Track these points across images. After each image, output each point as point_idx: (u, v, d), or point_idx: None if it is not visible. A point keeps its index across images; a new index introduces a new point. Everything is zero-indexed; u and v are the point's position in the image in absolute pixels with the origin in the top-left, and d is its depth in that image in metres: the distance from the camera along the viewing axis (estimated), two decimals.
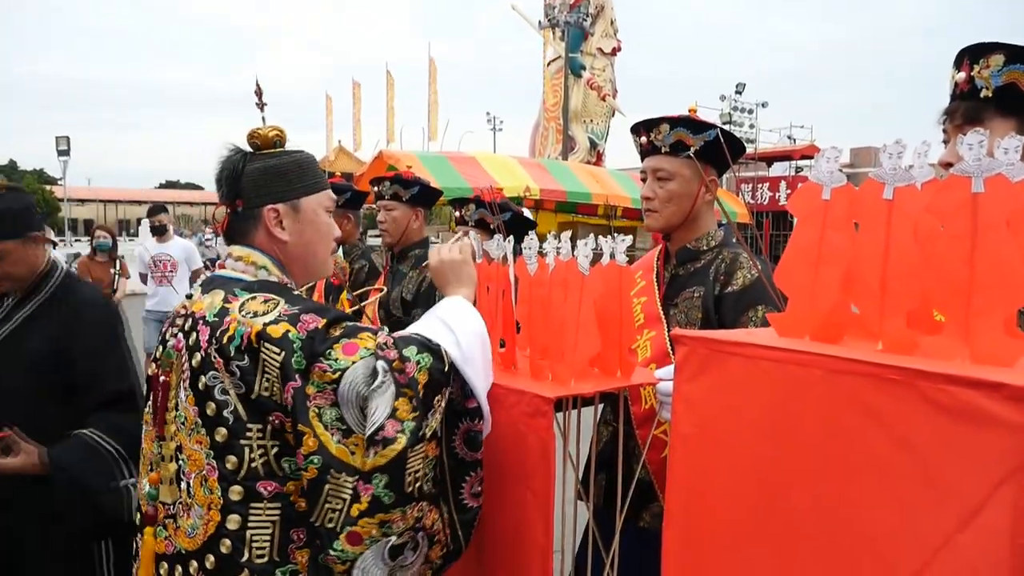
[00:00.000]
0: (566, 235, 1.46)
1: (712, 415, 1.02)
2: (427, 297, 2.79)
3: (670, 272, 1.89)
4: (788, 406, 0.91)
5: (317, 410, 1.10)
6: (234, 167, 1.32)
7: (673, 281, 1.87)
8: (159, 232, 6.42)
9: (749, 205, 16.57)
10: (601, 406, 1.87)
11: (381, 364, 1.13)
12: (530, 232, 1.60)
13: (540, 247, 1.48)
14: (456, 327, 1.26)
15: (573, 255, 1.43)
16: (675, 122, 1.80)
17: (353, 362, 1.12)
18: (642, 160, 1.90)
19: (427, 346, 1.19)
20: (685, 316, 1.79)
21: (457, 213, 2.65)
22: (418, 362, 1.16)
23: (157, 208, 6.53)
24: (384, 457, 1.08)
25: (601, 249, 1.48)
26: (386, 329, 1.22)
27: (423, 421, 1.12)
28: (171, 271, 6.37)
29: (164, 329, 1.33)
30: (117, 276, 6.22)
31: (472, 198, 2.58)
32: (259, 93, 1.39)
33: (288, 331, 1.13)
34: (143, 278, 6.43)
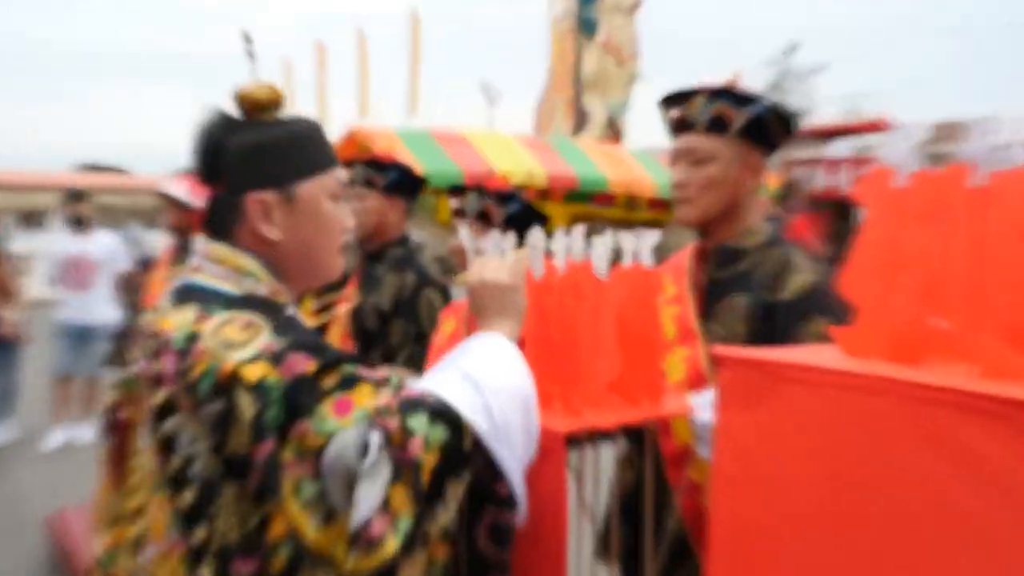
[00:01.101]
0: (578, 230, 1.45)
1: (762, 453, 1.02)
2: (410, 308, 2.80)
3: (707, 276, 1.89)
4: (857, 443, 0.90)
5: (295, 483, 1.05)
6: (213, 139, 1.26)
7: (711, 287, 1.87)
8: (78, 225, 6.35)
9: (802, 193, 16.60)
10: (623, 441, 1.86)
11: (376, 436, 1.07)
12: (535, 227, 1.60)
13: (547, 245, 1.48)
14: (488, 384, 1.17)
15: (587, 255, 1.42)
16: (714, 93, 1.81)
17: (345, 425, 1.07)
18: (673, 139, 1.91)
19: (442, 414, 1.12)
20: (726, 330, 1.79)
21: (455, 203, 2.65)
22: (426, 438, 1.09)
23: (75, 195, 6.45)
24: (367, 564, 1.03)
25: (622, 247, 1.48)
26: (395, 378, 1.16)
27: (426, 519, 1.07)
28: (91, 274, 6.31)
29: (129, 347, 1.31)
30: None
31: (474, 186, 2.59)
32: (248, 40, 1.33)
33: (267, 376, 1.08)
34: (52, 281, 6.36)
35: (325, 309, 2.96)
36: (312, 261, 1.32)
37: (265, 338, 1.12)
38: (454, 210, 2.65)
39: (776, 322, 1.73)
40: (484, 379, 1.18)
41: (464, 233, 1.69)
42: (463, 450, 1.11)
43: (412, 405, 1.12)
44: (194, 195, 3.83)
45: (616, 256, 1.49)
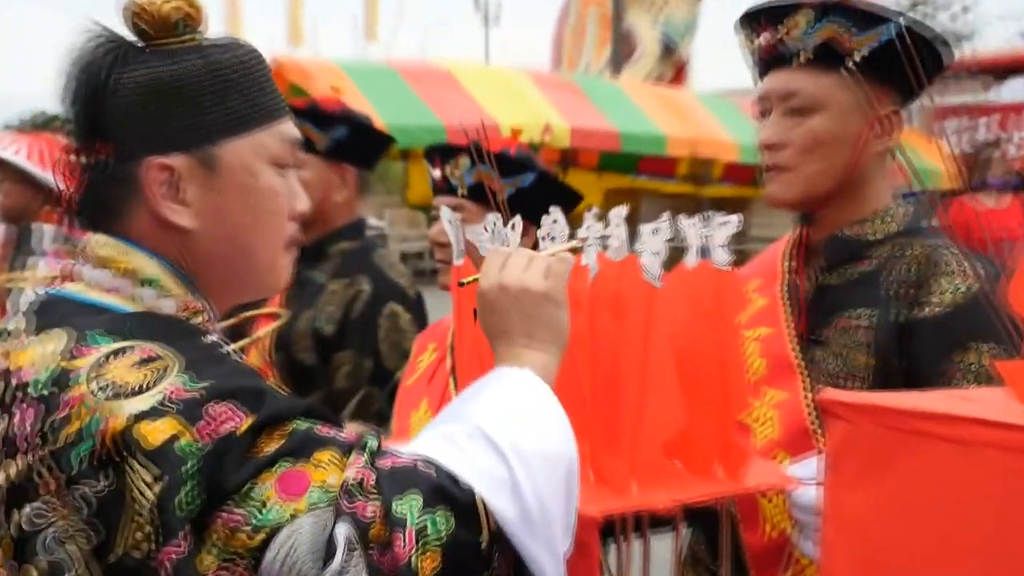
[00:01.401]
0: (619, 213, 1.46)
1: (896, 548, 1.03)
2: (364, 331, 2.81)
3: (814, 282, 1.91)
4: None
5: None
6: (93, 77, 1.25)
7: (819, 298, 1.88)
8: None
9: (958, 158, 16.57)
10: (687, 531, 1.86)
11: (344, 529, 1.07)
12: (554, 210, 1.61)
13: (572, 235, 1.49)
14: (516, 447, 1.17)
15: (632, 250, 1.43)
16: (823, 8, 1.82)
17: (294, 513, 1.07)
18: (760, 77, 1.93)
19: (446, 495, 1.12)
20: (842, 363, 1.81)
21: (436, 172, 2.66)
22: (422, 530, 1.09)
23: None
24: None
25: (685, 239, 1.49)
26: (372, 439, 1.16)
27: None
28: None
29: None
30: None
31: (465, 145, 2.60)
32: None
33: (176, 438, 1.08)
34: None
35: (236, 333, 2.97)
36: (245, 260, 1.32)
37: (173, 380, 1.12)
38: (433, 182, 2.66)
39: (915, 351, 1.75)
40: (510, 440, 1.17)
41: (448, 218, 1.71)
42: (479, 548, 1.11)
43: (399, 481, 1.11)
44: (43, 161, 3.85)
45: (676, 252, 1.50)
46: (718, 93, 16.43)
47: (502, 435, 1.17)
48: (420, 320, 2.90)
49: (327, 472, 1.10)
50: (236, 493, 1.07)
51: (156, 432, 1.07)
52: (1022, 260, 1.05)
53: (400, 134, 7.63)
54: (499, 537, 1.13)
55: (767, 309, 1.92)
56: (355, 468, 1.11)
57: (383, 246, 3.16)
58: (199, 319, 1.28)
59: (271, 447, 1.10)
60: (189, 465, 1.06)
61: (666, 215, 1.43)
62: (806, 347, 1.85)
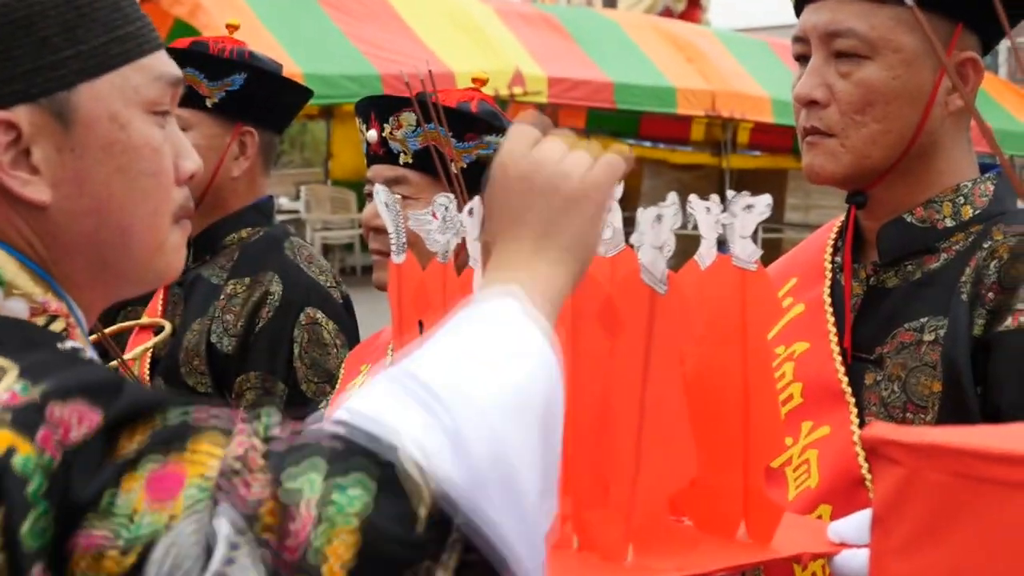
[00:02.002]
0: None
1: None
2: (272, 347, 2.81)
3: (867, 281, 1.94)
4: None
5: None
6: None
7: (874, 304, 1.91)
8: None
9: None
10: None
11: (224, 520, 1.07)
12: None
13: None
14: (462, 391, 1.16)
15: (627, 242, 1.45)
16: None
17: (170, 521, 1.07)
18: (797, 12, 1.94)
19: (360, 458, 1.11)
20: (901, 388, 1.82)
21: (372, 133, 2.65)
22: (325, 505, 1.08)
23: None
24: None
25: (701, 224, 1.50)
26: (267, 416, 1.15)
27: None
28: None
29: None
30: None
31: (412, 97, 2.58)
32: None
33: (12, 451, 1.10)
34: None
35: (107, 356, 2.97)
36: (119, 240, 1.33)
37: (9, 380, 1.14)
38: (368, 148, 2.66)
39: (996, 373, 1.76)
40: (452, 383, 1.16)
41: (385, 200, 1.72)
42: (412, 522, 1.09)
43: (297, 449, 1.10)
44: None
45: (687, 244, 1.52)
46: (745, 31, 16.45)
47: (442, 378, 1.16)
48: (348, 331, 2.90)
49: (207, 462, 1.10)
50: (95, 507, 1.07)
51: None
52: None
53: (320, 85, 7.59)
54: (443, 505, 1.11)
55: (806, 318, 1.94)
56: (237, 443, 1.11)
57: (298, 234, 3.15)
58: (58, 326, 1.28)
59: (132, 445, 1.11)
60: (34, 486, 1.08)
61: (673, 195, 1.44)
62: (857, 368, 1.87)
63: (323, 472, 1.08)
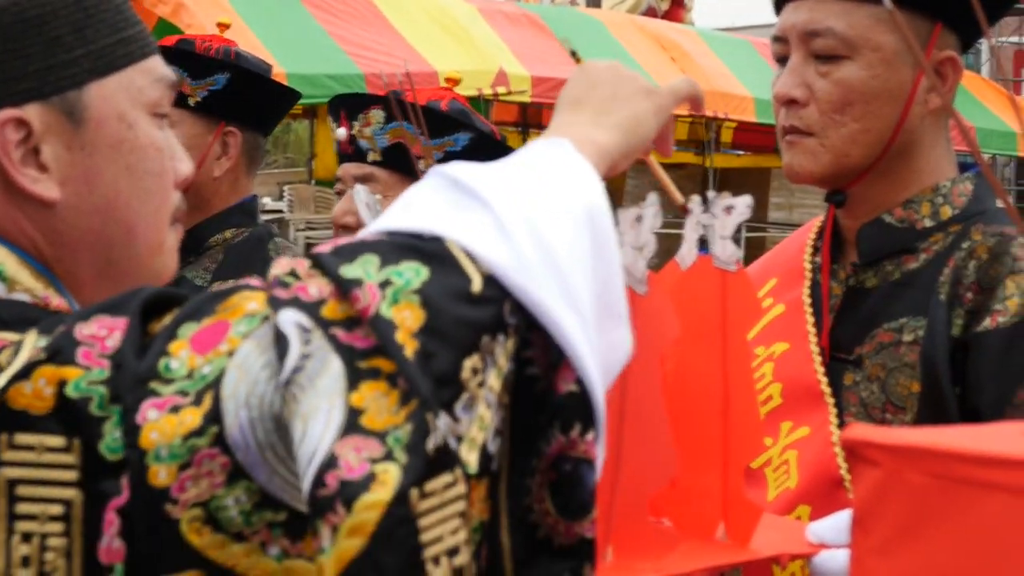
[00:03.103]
0: None
1: None
2: None
3: (844, 281, 1.94)
4: None
5: (201, 510, 1.08)
6: None
7: (854, 304, 1.92)
8: None
9: None
10: None
11: (290, 317, 1.09)
12: None
13: None
14: (498, 190, 1.19)
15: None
16: None
17: (230, 352, 1.10)
18: (777, 11, 1.96)
19: (409, 247, 1.13)
20: (881, 389, 1.83)
21: (341, 131, 2.65)
22: (386, 283, 1.09)
23: None
24: (357, 534, 1.03)
25: (683, 224, 1.50)
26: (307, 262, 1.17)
27: (434, 428, 1.07)
28: None
29: None
30: None
31: (383, 95, 2.58)
32: None
33: (64, 381, 1.12)
34: None
35: None
36: (124, 239, 1.35)
37: (33, 341, 1.15)
38: (338, 145, 2.66)
39: (976, 374, 1.77)
40: (489, 184, 1.19)
41: (365, 200, 1.71)
42: (470, 295, 1.12)
43: (343, 253, 1.12)
44: None
45: (669, 244, 1.52)
46: (729, 30, 16.48)
47: (485, 179, 1.20)
48: None
49: (245, 306, 1.12)
50: (155, 376, 1.09)
51: (36, 392, 1.11)
52: None
53: (303, 84, 7.57)
54: (496, 284, 1.13)
55: (786, 319, 1.95)
56: (281, 266, 1.14)
57: (281, 234, 3.15)
58: (51, 308, 1.31)
59: (165, 322, 1.14)
60: (96, 401, 1.10)
61: (654, 195, 1.44)
62: (835, 369, 1.88)
63: (377, 263, 1.11)
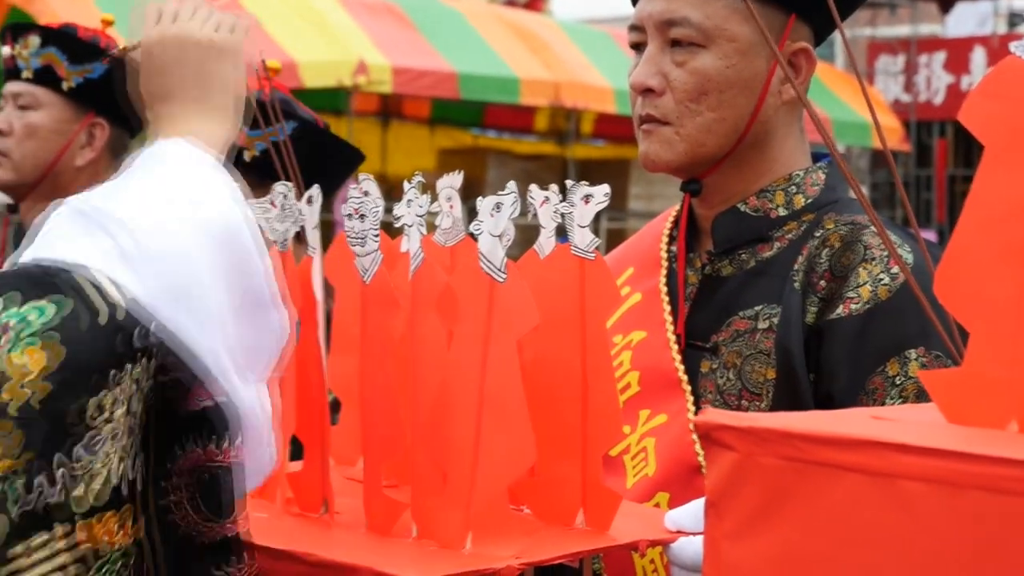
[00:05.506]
0: (449, 182, 1.47)
1: None
2: None
3: (700, 270, 1.96)
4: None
5: None
6: None
7: (709, 292, 1.93)
8: None
9: (896, 108, 17.01)
10: None
11: None
12: (369, 179, 1.61)
13: (383, 209, 1.50)
14: (119, 217, 1.23)
15: (468, 231, 1.45)
16: None
17: None
18: (633, 1, 1.96)
19: (40, 282, 1.18)
20: (736, 376, 1.85)
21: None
22: (17, 325, 1.14)
23: None
24: None
25: (541, 216, 1.51)
26: None
27: (42, 470, 1.11)
28: None
29: None
30: None
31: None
32: None
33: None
34: None
35: None
36: None
37: None
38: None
39: (828, 361, 1.80)
40: (110, 209, 1.24)
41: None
42: (98, 328, 1.16)
43: None
44: None
45: (529, 234, 1.52)
46: (589, 22, 16.52)
47: (110, 210, 1.24)
48: None
49: None
50: None
51: None
52: (951, 240, 1.07)
53: None
54: (126, 312, 1.18)
55: (643, 307, 1.95)
56: None
57: None
58: None
59: None
60: None
61: (512, 184, 1.44)
62: (692, 356, 1.89)
63: (18, 300, 1.14)
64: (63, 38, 2.94)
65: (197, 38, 1.40)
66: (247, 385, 1.30)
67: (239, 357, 1.28)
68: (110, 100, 2.93)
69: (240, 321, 1.28)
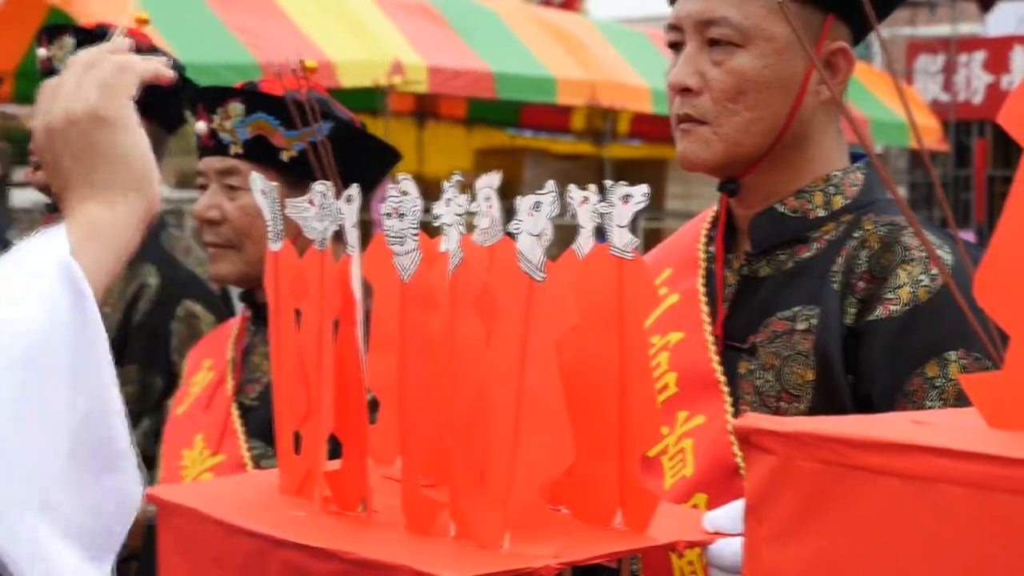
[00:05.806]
0: (488, 182, 1.48)
1: None
2: (149, 340, 2.79)
3: (738, 270, 1.96)
4: None
5: None
6: None
7: (747, 293, 1.93)
8: None
9: (935, 107, 16.92)
10: None
11: None
12: (393, 175, 1.62)
13: (423, 209, 1.51)
14: None
15: (506, 230, 1.45)
16: None
17: None
18: (670, 1, 1.97)
19: None
20: (775, 377, 1.85)
21: (200, 124, 2.63)
22: None
23: None
24: None
25: (579, 215, 1.51)
26: None
27: None
28: None
29: None
30: None
31: (238, 89, 2.55)
32: None
33: None
34: None
35: None
36: None
37: None
38: (197, 140, 2.64)
39: (867, 363, 1.79)
40: None
41: (261, 188, 1.71)
42: None
43: None
44: None
45: (567, 234, 1.51)
46: (625, 21, 16.50)
47: None
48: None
49: None
50: None
51: None
52: (991, 242, 1.07)
53: (199, 74, 7.44)
54: None
55: (681, 308, 1.96)
56: None
57: (176, 224, 3.11)
58: None
59: None
60: None
61: (551, 183, 1.44)
62: (730, 357, 1.89)
63: None
64: (95, 35, 2.91)
65: (78, 114, 1.31)
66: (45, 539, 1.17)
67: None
68: (145, 99, 2.94)
69: (84, 478, 1.19)
